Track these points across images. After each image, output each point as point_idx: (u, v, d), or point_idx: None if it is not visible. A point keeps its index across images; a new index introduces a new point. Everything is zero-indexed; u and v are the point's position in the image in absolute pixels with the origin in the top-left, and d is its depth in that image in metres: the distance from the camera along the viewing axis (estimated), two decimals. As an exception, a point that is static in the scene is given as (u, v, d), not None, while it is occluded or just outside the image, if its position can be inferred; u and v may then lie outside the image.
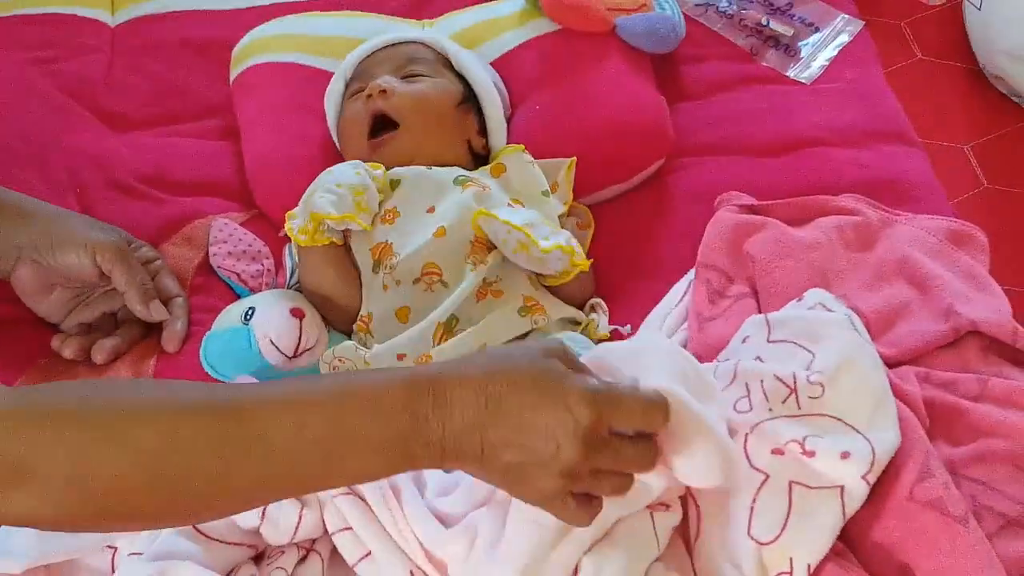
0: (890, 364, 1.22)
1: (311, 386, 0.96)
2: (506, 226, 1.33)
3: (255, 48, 1.65)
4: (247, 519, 1.07)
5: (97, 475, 0.87)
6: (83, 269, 1.32)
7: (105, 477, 0.88)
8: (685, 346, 1.30)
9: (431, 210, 1.39)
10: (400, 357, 1.30)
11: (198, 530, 1.06)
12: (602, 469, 0.93)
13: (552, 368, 0.91)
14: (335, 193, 1.35)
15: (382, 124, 1.46)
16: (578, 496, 0.94)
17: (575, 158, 1.47)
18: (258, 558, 1.12)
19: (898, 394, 1.15)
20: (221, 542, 1.08)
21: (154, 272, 1.38)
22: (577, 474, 0.91)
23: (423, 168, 1.43)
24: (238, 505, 0.97)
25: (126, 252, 1.34)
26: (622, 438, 0.94)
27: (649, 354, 1.02)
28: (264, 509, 1.06)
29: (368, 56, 1.54)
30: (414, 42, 1.55)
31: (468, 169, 1.46)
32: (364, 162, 1.42)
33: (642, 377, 0.97)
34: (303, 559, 1.10)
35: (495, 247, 1.36)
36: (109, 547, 1.10)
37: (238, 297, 1.42)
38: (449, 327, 1.31)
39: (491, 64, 1.62)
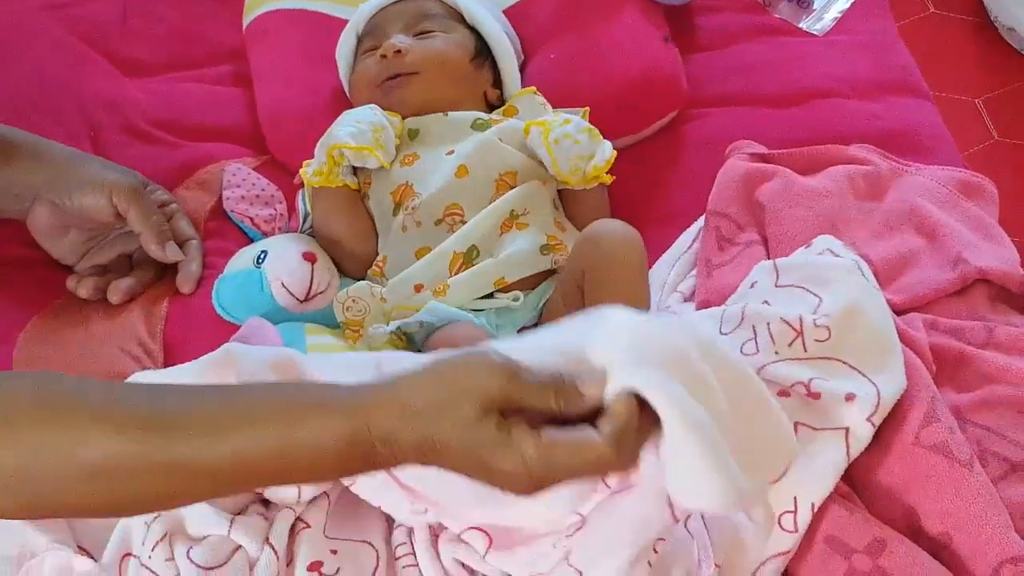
0: (898, 311, 1.22)
1: (251, 410, 0.89)
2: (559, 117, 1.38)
3: (269, -6, 1.66)
4: None
5: (43, 477, 0.87)
6: (99, 210, 1.33)
7: (51, 479, 0.87)
8: (693, 293, 1.31)
9: (451, 152, 1.39)
10: (417, 288, 1.31)
11: None
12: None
13: (485, 439, 0.84)
14: (354, 127, 1.36)
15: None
16: None
17: (588, 108, 1.47)
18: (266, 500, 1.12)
19: (905, 340, 1.15)
20: None
21: (169, 215, 1.39)
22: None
23: (440, 114, 1.44)
24: (184, 503, 0.98)
25: (142, 193, 1.35)
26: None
27: (610, 335, 0.89)
28: None
29: (380, 11, 1.54)
30: None
31: None
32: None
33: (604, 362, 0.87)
34: (312, 500, 1.10)
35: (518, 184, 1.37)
36: None
37: (251, 241, 1.43)
38: (469, 257, 1.32)
39: (504, 12, 1.61)
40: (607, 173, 1.39)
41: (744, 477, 0.84)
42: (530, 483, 0.84)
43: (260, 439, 0.86)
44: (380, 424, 0.85)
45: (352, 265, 1.39)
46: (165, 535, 1.03)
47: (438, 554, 1.06)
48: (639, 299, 1.22)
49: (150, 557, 1.03)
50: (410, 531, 1.07)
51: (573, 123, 1.39)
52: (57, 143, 1.37)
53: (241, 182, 1.46)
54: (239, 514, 1.07)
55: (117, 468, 0.86)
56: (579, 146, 1.38)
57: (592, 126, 1.41)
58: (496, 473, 0.85)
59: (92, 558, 1.07)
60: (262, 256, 1.35)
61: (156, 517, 1.04)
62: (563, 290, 1.28)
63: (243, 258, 1.37)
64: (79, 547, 1.08)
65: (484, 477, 0.85)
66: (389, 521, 1.09)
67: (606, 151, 1.38)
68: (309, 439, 0.86)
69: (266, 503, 1.10)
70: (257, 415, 0.87)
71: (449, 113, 1.44)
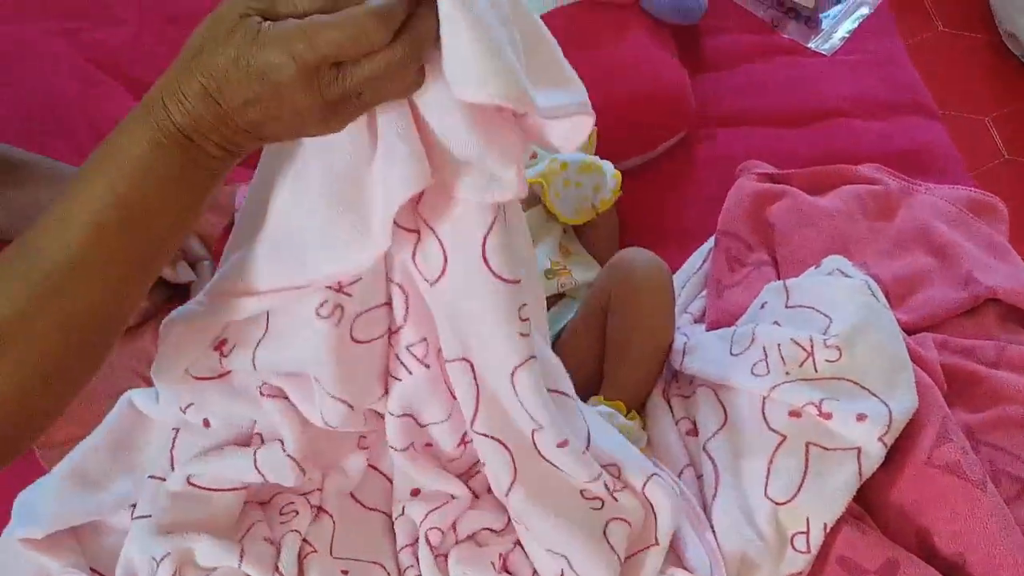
0: (909, 331, 1.22)
1: (79, 180, 0.89)
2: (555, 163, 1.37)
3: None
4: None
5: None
6: None
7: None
8: (703, 314, 1.31)
9: None
10: None
11: (193, 484, 1.06)
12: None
13: (246, 37, 0.81)
14: None
15: None
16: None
17: (595, 128, 1.48)
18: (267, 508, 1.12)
19: (916, 360, 1.15)
20: (219, 490, 1.07)
21: None
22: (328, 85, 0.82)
23: None
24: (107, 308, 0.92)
25: None
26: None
27: None
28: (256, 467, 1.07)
29: None
30: None
31: None
32: None
33: None
34: (315, 519, 1.10)
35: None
36: (132, 506, 1.11)
37: (262, 263, 1.43)
38: None
39: (514, 33, 1.62)
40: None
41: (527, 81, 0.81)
42: (307, 79, 0.80)
43: (94, 191, 0.86)
44: (165, 88, 0.85)
45: None
46: (175, 572, 1.03)
47: (446, 572, 1.06)
48: (667, 325, 1.24)
49: None
50: (416, 553, 1.08)
51: (569, 166, 1.38)
52: (71, 166, 1.38)
53: (252, 204, 1.46)
54: (245, 534, 1.07)
55: (21, 317, 0.86)
56: (580, 188, 1.38)
57: (588, 158, 1.40)
58: (274, 83, 0.81)
59: None
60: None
61: (166, 555, 1.03)
62: (585, 311, 1.29)
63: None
64: (92, 570, 1.09)
65: (268, 92, 0.82)
66: (396, 539, 1.10)
67: (609, 182, 1.38)
68: (126, 158, 0.86)
69: (268, 515, 1.11)
70: (85, 177, 0.88)
71: None
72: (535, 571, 1.05)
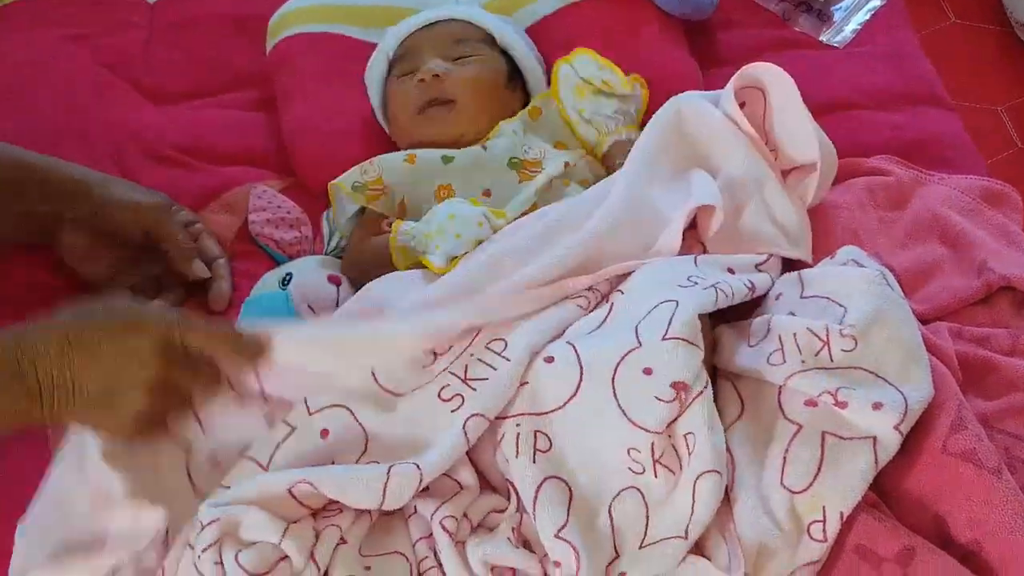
0: (923, 320, 1.22)
1: None
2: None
3: (292, 19, 1.67)
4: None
5: None
6: (127, 230, 1.35)
7: None
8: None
9: (487, 193, 1.39)
10: None
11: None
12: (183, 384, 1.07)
13: (122, 306, 1.08)
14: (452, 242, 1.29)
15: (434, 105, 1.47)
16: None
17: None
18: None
19: (931, 348, 1.15)
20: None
21: (196, 234, 1.41)
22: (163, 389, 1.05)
23: (478, 148, 1.44)
24: None
25: (168, 212, 1.38)
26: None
27: None
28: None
29: (411, 35, 1.54)
30: (457, 20, 1.55)
31: None
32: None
33: None
34: (357, 517, 1.11)
35: None
36: None
37: (277, 264, 1.44)
38: None
39: (527, 30, 1.62)
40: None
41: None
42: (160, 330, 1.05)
43: None
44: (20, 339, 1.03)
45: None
46: (217, 540, 1.06)
47: (465, 560, 1.07)
48: None
49: (200, 557, 1.06)
50: (431, 545, 1.09)
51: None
52: (85, 168, 1.39)
53: (267, 205, 1.48)
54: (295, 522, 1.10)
55: None
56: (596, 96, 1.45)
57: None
58: (141, 320, 1.05)
59: None
60: (288, 278, 1.36)
61: (214, 520, 1.07)
62: None
63: (269, 281, 1.38)
64: None
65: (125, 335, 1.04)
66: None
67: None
68: None
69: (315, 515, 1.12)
70: None
71: (487, 145, 1.44)
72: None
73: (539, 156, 1.43)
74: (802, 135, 1.29)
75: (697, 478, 1.05)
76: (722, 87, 1.48)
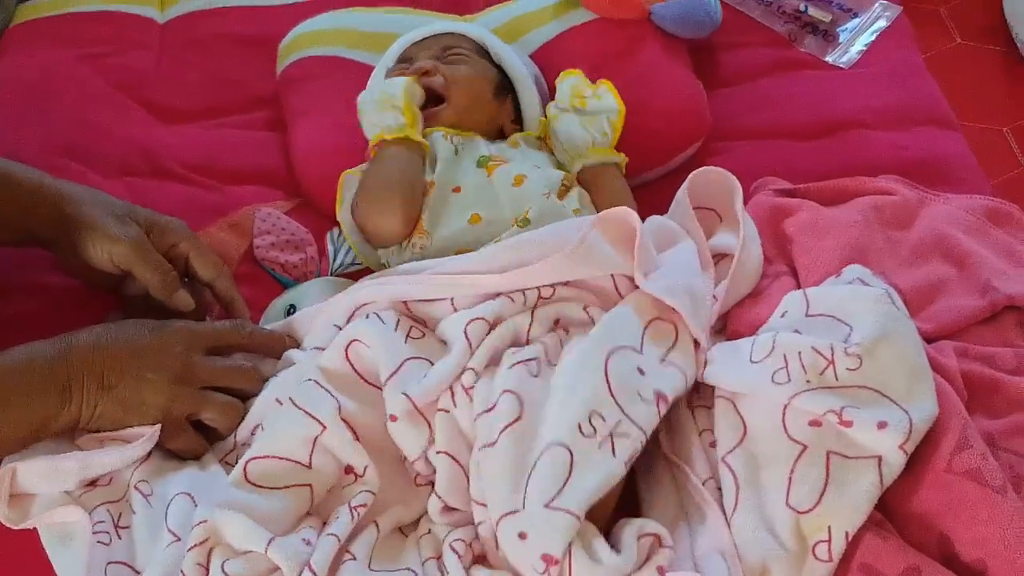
0: (928, 339, 1.22)
1: None
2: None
3: (302, 42, 1.69)
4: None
5: None
6: (103, 266, 1.31)
7: None
8: (724, 326, 1.31)
9: (456, 190, 1.39)
10: None
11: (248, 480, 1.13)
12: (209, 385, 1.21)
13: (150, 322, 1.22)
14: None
15: (426, 102, 1.48)
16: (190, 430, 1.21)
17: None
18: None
19: (936, 367, 1.15)
20: (272, 488, 1.12)
21: (183, 254, 1.34)
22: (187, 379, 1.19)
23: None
24: None
25: (141, 248, 1.30)
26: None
27: None
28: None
29: (406, 49, 1.57)
30: (452, 34, 1.58)
31: None
32: None
33: None
34: (362, 529, 1.12)
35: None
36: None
37: (283, 287, 1.44)
38: None
39: (532, 55, 1.64)
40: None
41: None
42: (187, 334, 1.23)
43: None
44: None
45: (392, 228, 1.38)
46: (203, 541, 1.07)
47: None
48: None
49: (184, 556, 1.07)
50: (439, 566, 1.09)
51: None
52: (66, 185, 1.34)
53: (271, 228, 1.48)
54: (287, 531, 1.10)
55: None
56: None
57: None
58: (166, 328, 1.23)
59: None
60: (291, 311, 1.37)
61: (201, 521, 1.08)
62: None
63: (272, 314, 1.39)
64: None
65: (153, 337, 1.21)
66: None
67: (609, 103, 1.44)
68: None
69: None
70: None
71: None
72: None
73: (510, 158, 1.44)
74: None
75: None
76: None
